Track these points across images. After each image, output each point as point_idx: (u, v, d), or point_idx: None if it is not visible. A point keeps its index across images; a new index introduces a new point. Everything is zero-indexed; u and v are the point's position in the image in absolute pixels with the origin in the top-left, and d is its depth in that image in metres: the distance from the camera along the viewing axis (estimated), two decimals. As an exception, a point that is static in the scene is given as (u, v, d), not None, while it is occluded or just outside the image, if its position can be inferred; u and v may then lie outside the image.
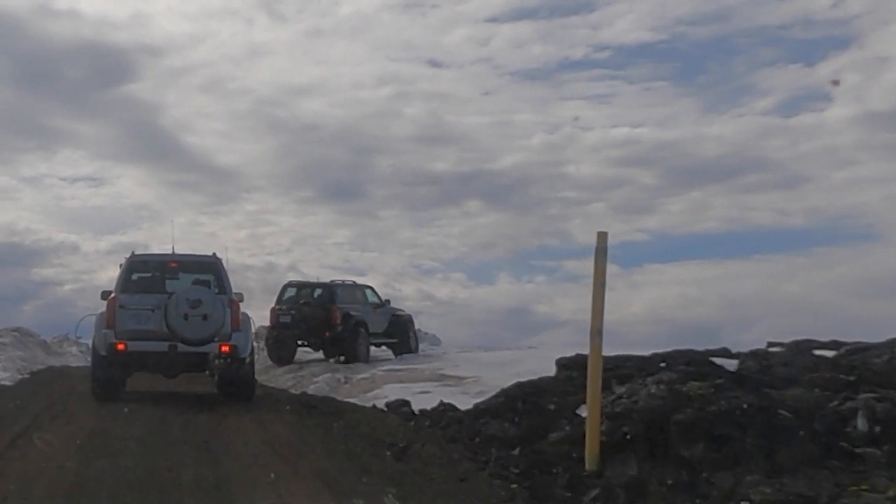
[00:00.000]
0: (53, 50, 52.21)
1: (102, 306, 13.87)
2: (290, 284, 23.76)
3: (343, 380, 19.50)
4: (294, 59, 59.14)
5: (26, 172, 60.72)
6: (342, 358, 22.06)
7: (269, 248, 54.30)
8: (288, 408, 13.22)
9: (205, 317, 12.87)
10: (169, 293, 13.33)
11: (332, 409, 12.96)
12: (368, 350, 22.56)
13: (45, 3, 59.62)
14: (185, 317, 12.85)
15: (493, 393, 16.59)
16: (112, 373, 13.38)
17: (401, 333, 24.23)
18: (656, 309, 49.25)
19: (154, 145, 54.56)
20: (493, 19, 59.23)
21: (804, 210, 52.64)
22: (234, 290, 13.85)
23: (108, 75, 54.62)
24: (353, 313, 22.45)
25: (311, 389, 19.07)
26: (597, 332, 6.91)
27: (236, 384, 13.60)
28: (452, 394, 16.25)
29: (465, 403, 14.45)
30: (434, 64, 57.08)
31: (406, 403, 13.22)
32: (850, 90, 49.40)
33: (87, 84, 54.07)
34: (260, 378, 21.58)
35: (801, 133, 51.23)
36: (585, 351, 8.12)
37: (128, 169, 66.27)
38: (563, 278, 50.51)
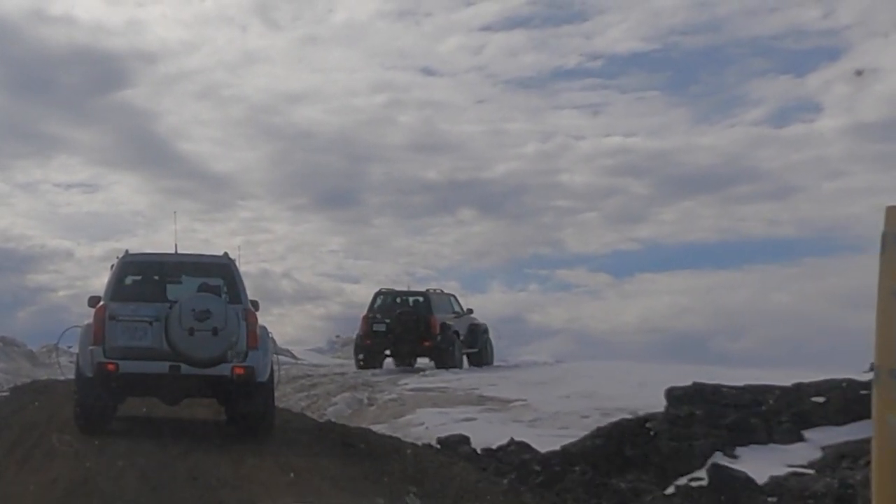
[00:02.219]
0: (48, 56, 50.22)
1: (90, 315, 10.92)
2: (380, 293, 22.78)
3: (366, 401, 16.65)
4: (289, 67, 57.56)
5: (21, 178, 58.88)
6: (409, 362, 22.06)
7: (263, 255, 52.33)
8: (318, 445, 10.37)
9: (215, 331, 10.11)
10: (171, 302, 10.58)
11: (373, 447, 10.11)
12: (462, 359, 21.82)
13: (39, 9, 57.95)
14: (191, 331, 10.11)
15: (548, 419, 13.92)
16: (100, 399, 10.62)
17: (479, 343, 23.04)
18: (648, 318, 48.21)
19: (149, 152, 52.53)
20: (487, 28, 57.83)
21: (795, 220, 51.82)
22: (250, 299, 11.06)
23: (103, 81, 52.83)
24: (448, 322, 21.77)
25: (329, 412, 16.22)
26: (887, 373, 4.04)
27: (252, 415, 10.69)
28: (503, 422, 13.48)
29: (527, 436, 11.74)
30: (428, 72, 55.72)
31: (464, 440, 10.41)
32: (840, 101, 48.19)
33: (82, 90, 52.25)
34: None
35: (791, 143, 50.16)
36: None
37: (123, 175, 64.37)
38: (556, 287, 49.08)
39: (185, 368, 10.29)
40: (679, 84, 60.07)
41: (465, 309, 23.30)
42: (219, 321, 10.15)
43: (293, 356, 29.60)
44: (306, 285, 53.62)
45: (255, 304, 11.09)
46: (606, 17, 54.12)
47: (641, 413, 13.54)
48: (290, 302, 50.40)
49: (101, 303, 10.72)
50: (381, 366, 21.94)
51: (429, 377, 19.38)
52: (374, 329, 21.72)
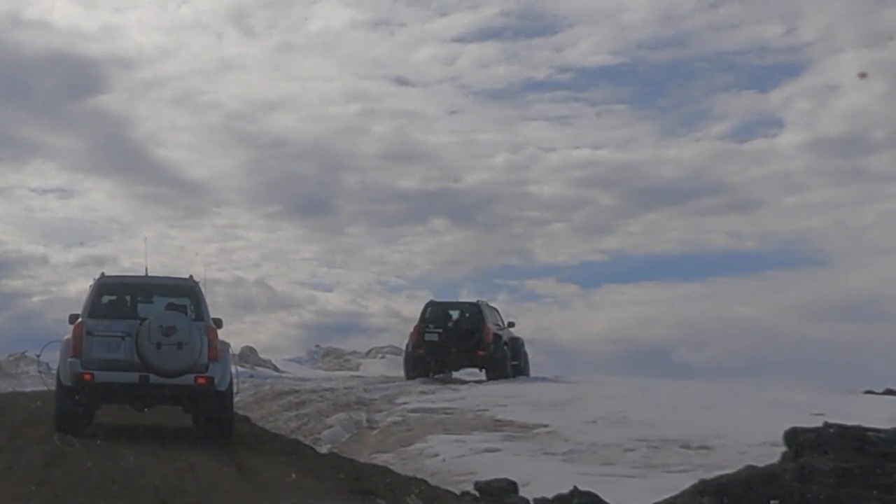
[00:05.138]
0: (24, 61, 47.61)
1: (69, 330, 11.57)
2: (431, 303, 21.70)
3: (365, 423, 14.23)
4: (264, 74, 55.44)
5: (-5, 183, 55.74)
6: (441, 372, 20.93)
7: (237, 262, 50.07)
8: (327, 490, 7.94)
9: (179, 345, 10.92)
10: (141, 318, 11.30)
11: (398, 495, 7.68)
12: (511, 370, 20.86)
13: (15, 13, 55.87)
14: (158, 345, 10.92)
15: (585, 452, 11.50)
16: (77, 406, 11.24)
17: (518, 355, 21.87)
18: (615, 329, 47.02)
19: (124, 158, 50.27)
20: (460, 39, 56.19)
21: (757, 234, 51.30)
22: (212, 316, 11.79)
23: (79, 87, 50.52)
24: (499, 333, 20.84)
25: (325, 436, 13.84)
26: None
27: (214, 420, 11.38)
28: (533, 454, 11.15)
29: (568, 474, 9.61)
30: (401, 82, 53.80)
31: (510, 487, 8.04)
32: (801, 117, 47.49)
33: (58, 95, 50.05)
34: (253, 415, 16.33)
35: (754, 158, 49.07)
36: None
37: (98, 181, 61.92)
38: (525, 297, 47.05)
39: (153, 378, 10.98)
40: (646, 98, 58.89)
41: (505, 322, 22.10)
42: (183, 336, 10.92)
43: (275, 368, 27.03)
44: (280, 293, 51.31)
45: (219, 322, 11.69)
46: (576, 31, 52.29)
47: (695, 445, 11.38)
48: (264, 310, 48.04)
49: (80, 319, 11.38)
50: (429, 375, 20.90)
51: (429, 395, 17.00)
52: (427, 339, 20.67)
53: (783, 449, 10.46)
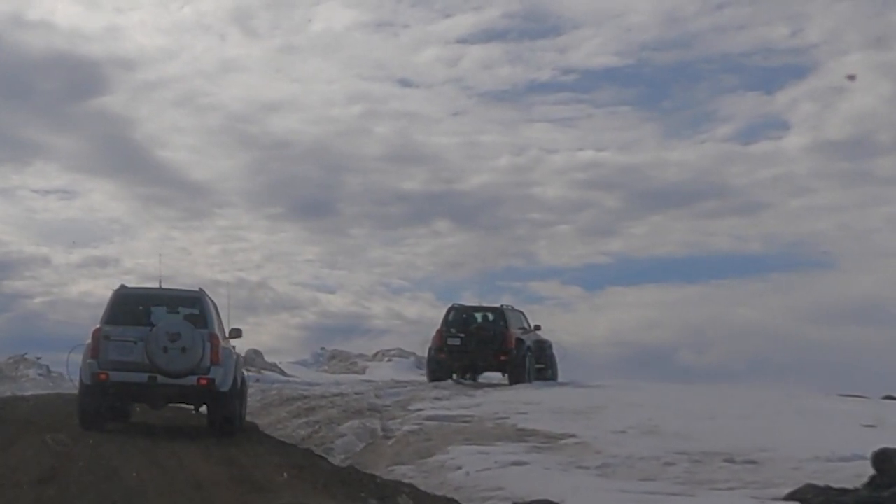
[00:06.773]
0: (26, 61, 47.03)
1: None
2: (453, 307, 21.41)
3: (380, 431, 13.38)
4: (266, 76, 54.80)
5: (-2, 184, 55.17)
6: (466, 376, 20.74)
7: (239, 263, 49.48)
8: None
9: (183, 350, 12.28)
10: (151, 325, 12.70)
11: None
12: (534, 374, 20.62)
13: (18, 14, 55.49)
14: (165, 349, 12.28)
15: (621, 465, 10.59)
16: (95, 402, 12.63)
17: (545, 359, 21.58)
18: (618, 332, 46.42)
19: (126, 159, 49.69)
20: (463, 40, 55.34)
21: (762, 236, 50.67)
22: (233, 327, 13.56)
23: (81, 88, 50.01)
24: (522, 338, 20.57)
25: (338, 445, 13.04)
26: None
27: (217, 418, 12.73)
28: (564, 467, 10.31)
29: (606, 490, 8.80)
30: (404, 83, 53.09)
31: (552, 509, 7.20)
32: (806, 119, 46.95)
33: (60, 96, 49.64)
34: (261, 422, 15.54)
35: (759, 160, 48.29)
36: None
37: (100, 182, 61.54)
38: (529, 299, 46.34)
39: (161, 379, 12.32)
40: (651, 99, 58.23)
41: (531, 325, 21.66)
42: (187, 342, 12.25)
43: (282, 372, 26.17)
44: (283, 294, 50.56)
45: (238, 332, 13.46)
46: (580, 32, 51.26)
47: (740, 459, 10.49)
48: (266, 311, 47.27)
49: (98, 326, 12.75)
50: (451, 378, 20.59)
51: (444, 401, 16.17)
52: (449, 343, 20.44)
53: (839, 465, 9.73)
